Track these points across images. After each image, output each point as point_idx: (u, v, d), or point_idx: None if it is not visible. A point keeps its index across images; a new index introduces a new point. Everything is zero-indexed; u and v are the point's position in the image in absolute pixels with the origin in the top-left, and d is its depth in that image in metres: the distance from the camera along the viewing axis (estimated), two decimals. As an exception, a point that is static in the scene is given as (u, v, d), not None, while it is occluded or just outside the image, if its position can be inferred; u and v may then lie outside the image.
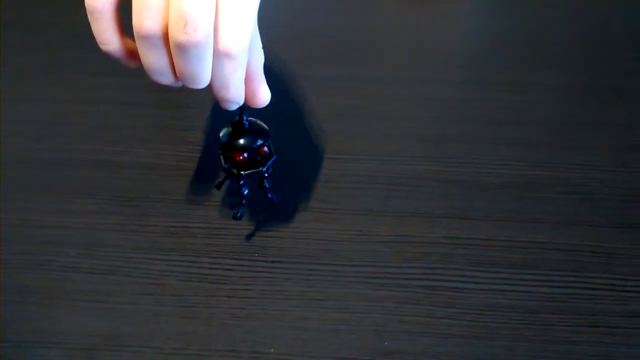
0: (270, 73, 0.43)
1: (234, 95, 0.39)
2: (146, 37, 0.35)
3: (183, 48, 0.35)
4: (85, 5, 0.36)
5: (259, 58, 0.41)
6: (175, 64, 0.36)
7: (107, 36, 0.37)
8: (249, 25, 0.36)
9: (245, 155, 0.44)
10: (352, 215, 0.49)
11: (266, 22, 0.41)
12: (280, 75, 0.60)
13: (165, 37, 0.35)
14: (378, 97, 0.58)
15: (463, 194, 0.50)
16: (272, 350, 0.42)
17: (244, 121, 0.43)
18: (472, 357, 0.42)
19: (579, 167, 0.52)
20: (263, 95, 0.41)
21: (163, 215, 0.50)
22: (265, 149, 0.45)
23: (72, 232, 0.49)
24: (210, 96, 0.57)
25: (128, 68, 0.40)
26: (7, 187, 0.52)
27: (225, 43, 0.35)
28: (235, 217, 0.47)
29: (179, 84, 0.39)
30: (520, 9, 0.66)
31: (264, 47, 0.41)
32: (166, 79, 0.38)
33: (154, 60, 0.37)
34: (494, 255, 0.47)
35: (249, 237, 0.48)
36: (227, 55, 0.36)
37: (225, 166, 0.45)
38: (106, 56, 0.38)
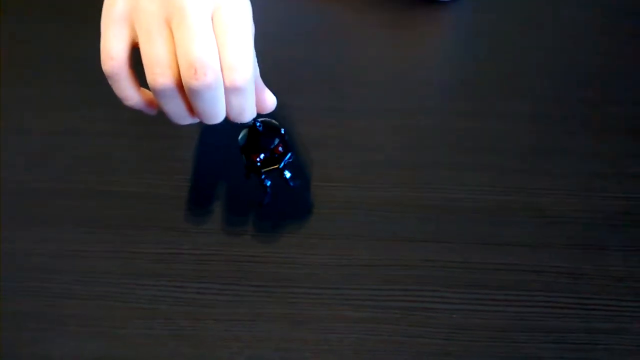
0: None
1: (249, 117, 0.42)
2: (161, 91, 0.39)
3: (198, 92, 0.38)
4: (103, 70, 0.40)
5: (256, 71, 0.44)
6: (192, 106, 0.40)
7: (127, 94, 0.41)
8: (249, 56, 0.39)
9: (262, 156, 0.48)
10: (332, 241, 0.52)
11: None
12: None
13: (179, 86, 0.39)
14: (355, 127, 0.61)
15: (438, 219, 0.53)
16: (258, 370, 0.45)
17: (257, 125, 0.48)
18: (446, 374, 0.44)
19: (547, 192, 0.55)
20: (269, 101, 0.45)
21: (153, 242, 0.52)
22: (280, 148, 0.49)
23: (65, 259, 0.51)
24: (198, 127, 0.60)
25: (118, 100, 0.43)
26: (1, 216, 0.54)
27: (233, 79, 0.39)
28: (261, 204, 0.51)
29: (197, 120, 0.43)
30: (491, 40, 0.70)
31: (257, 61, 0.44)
32: (186, 120, 0.42)
33: (173, 108, 0.41)
34: (466, 277, 0.49)
35: (235, 262, 0.51)
36: (237, 89, 0.39)
37: (247, 164, 0.49)
38: (107, 89, 0.42)
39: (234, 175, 0.56)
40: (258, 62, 0.45)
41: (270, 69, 0.65)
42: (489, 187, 0.56)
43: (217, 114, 0.41)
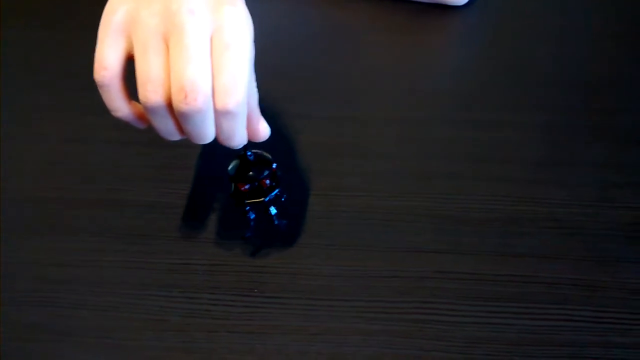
0: (263, 112, 0.46)
1: (239, 142, 0.42)
2: (152, 108, 0.39)
3: (186, 116, 0.38)
4: (95, 79, 0.40)
5: (254, 98, 0.44)
6: (181, 126, 0.40)
7: (117, 105, 0.41)
8: (243, 80, 0.39)
9: (247, 186, 0.48)
10: (346, 251, 0.52)
11: (257, 60, 0.43)
12: (272, 113, 0.62)
13: (169, 105, 0.39)
14: (367, 135, 0.60)
15: (452, 229, 0.53)
16: (272, 383, 0.44)
17: (248, 155, 0.47)
18: (462, 388, 0.44)
19: (562, 203, 0.54)
20: (262, 131, 0.45)
21: (165, 252, 0.52)
22: (267, 181, 0.48)
23: (76, 270, 0.51)
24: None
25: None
26: (12, 226, 0.54)
27: (224, 103, 0.38)
28: (243, 237, 0.50)
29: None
30: (502, 47, 0.69)
31: (257, 86, 0.44)
32: (175, 137, 0.42)
33: (162, 126, 0.40)
34: (480, 288, 0.49)
35: (248, 273, 0.50)
36: (227, 113, 0.39)
37: (232, 193, 0.48)
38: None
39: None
40: (259, 89, 0.44)
41: (279, 76, 0.65)
42: (502, 198, 0.55)
43: (205, 136, 0.41)
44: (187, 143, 0.59)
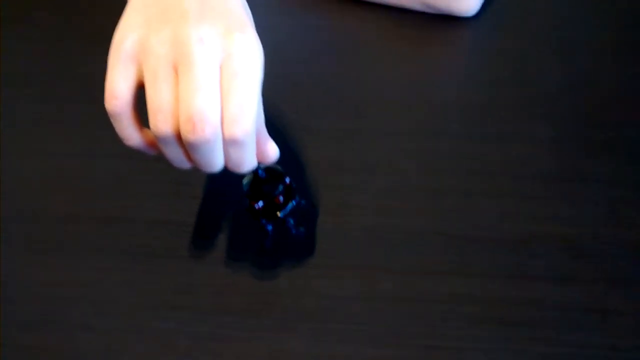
0: (269, 125, 0.45)
1: (248, 169, 0.41)
2: (162, 138, 0.38)
3: (194, 146, 0.38)
4: (106, 109, 0.39)
5: (261, 119, 0.43)
6: (190, 155, 0.39)
7: (128, 133, 0.40)
8: (252, 109, 0.38)
9: (260, 204, 0.48)
10: (355, 272, 0.51)
11: (264, 74, 0.43)
12: (279, 127, 0.61)
13: (179, 135, 0.38)
14: (377, 150, 0.60)
15: (461, 250, 0.52)
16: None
17: (259, 174, 0.47)
18: (473, 417, 0.43)
19: (571, 222, 0.54)
20: (271, 153, 0.45)
21: (172, 272, 0.51)
22: (281, 197, 0.48)
23: (81, 290, 0.50)
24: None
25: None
26: (15, 244, 0.53)
27: (232, 132, 0.38)
28: (262, 247, 0.51)
29: None
30: (511, 60, 0.68)
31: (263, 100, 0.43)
32: (185, 165, 0.41)
33: (172, 154, 0.40)
34: (491, 313, 0.48)
35: (255, 294, 0.50)
36: (235, 142, 0.38)
37: (247, 208, 0.49)
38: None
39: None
40: (264, 110, 0.44)
41: (287, 89, 0.64)
42: (512, 216, 0.54)
43: (213, 165, 0.41)
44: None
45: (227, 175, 0.55)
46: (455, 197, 0.56)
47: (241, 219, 0.54)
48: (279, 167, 0.49)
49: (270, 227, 0.50)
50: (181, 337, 0.48)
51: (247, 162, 0.41)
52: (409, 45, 0.70)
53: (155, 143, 0.42)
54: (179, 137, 0.39)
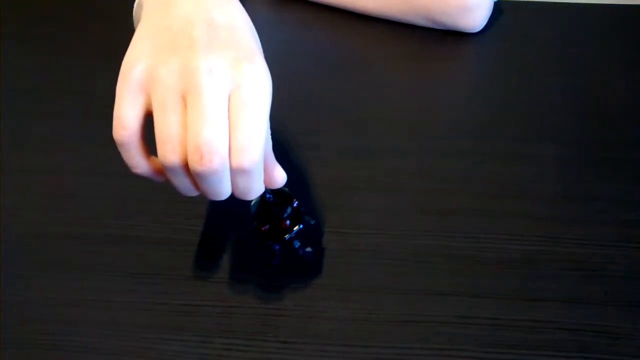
0: (274, 143, 0.45)
1: (255, 195, 0.41)
2: (170, 167, 0.38)
3: (202, 176, 0.38)
4: (114, 138, 0.39)
5: (268, 146, 0.43)
6: (197, 184, 0.39)
7: (136, 162, 0.41)
8: (259, 138, 0.38)
9: (267, 227, 0.48)
10: (361, 293, 0.51)
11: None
12: (284, 145, 0.61)
13: (187, 165, 0.38)
14: (380, 168, 0.59)
15: (469, 271, 0.52)
16: None
17: (267, 198, 0.47)
18: None
19: (582, 243, 0.53)
20: (278, 178, 0.44)
21: (177, 292, 0.51)
22: (288, 221, 0.48)
23: (84, 310, 0.50)
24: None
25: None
26: (17, 262, 0.53)
27: (239, 162, 0.38)
28: (269, 265, 0.51)
29: None
30: (517, 77, 0.68)
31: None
32: (192, 193, 0.41)
33: (179, 183, 0.40)
34: (499, 335, 0.48)
35: (261, 315, 0.49)
36: (243, 171, 0.38)
37: (254, 228, 0.49)
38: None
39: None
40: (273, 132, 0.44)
41: (292, 107, 0.64)
42: (519, 236, 0.54)
43: (221, 194, 0.41)
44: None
45: (234, 197, 0.55)
46: (462, 217, 0.55)
47: (247, 240, 0.54)
48: (286, 190, 0.49)
49: (277, 247, 0.50)
50: (186, 360, 0.47)
51: (254, 190, 0.41)
52: (415, 62, 0.70)
53: (162, 171, 0.42)
54: (186, 166, 0.38)
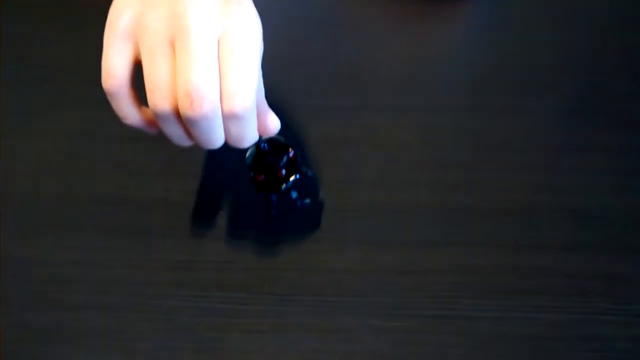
0: (271, 104, 0.44)
1: (249, 143, 0.40)
2: (161, 115, 0.38)
3: (193, 122, 0.37)
4: (103, 88, 0.38)
5: (260, 92, 0.42)
6: (189, 132, 0.39)
7: (126, 112, 0.40)
8: (251, 83, 0.37)
9: (263, 177, 0.47)
10: (358, 245, 0.50)
11: (265, 51, 0.42)
12: (280, 105, 0.60)
13: (178, 111, 0.37)
14: (380, 126, 0.59)
15: (467, 221, 0.51)
16: (286, 384, 0.43)
17: (262, 147, 0.46)
18: (483, 386, 0.42)
19: (577, 191, 0.53)
20: (272, 125, 0.43)
21: (172, 250, 0.50)
22: (284, 171, 0.47)
23: (82, 269, 0.50)
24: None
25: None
26: (13, 225, 0.52)
27: (231, 108, 0.37)
28: (268, 216, 0.51)
29: None
30: (512, 33, 0.67)
31: (263, 75, 0.43)
32: (186, 143, 0.41)
33: (172, 132, 0.40)
34: (498, 282, 0.48)
35: (258, 270, 0.49)
36: (235, 117, 0.38)
37: (250, 180, 0.48)
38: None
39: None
40: (264, 78, 0.43)
41: (288, 67, 0.63)
42: (517, 187, 0.54)
43: (214, 141, 0.40)
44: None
45: (228, 151, 0.55)
46: (459, 170, 0.55)
47: (242, 198, 0.53)
48: (282, 139, 0.48)
49: (274, 197, 0.49)
50: (183, 314, 0.47)
51: (247, 137, 0.40)
52: (412, 21, 0.69)
53: (154, 121, 0.41)
54: (177, 113, 0.38)
